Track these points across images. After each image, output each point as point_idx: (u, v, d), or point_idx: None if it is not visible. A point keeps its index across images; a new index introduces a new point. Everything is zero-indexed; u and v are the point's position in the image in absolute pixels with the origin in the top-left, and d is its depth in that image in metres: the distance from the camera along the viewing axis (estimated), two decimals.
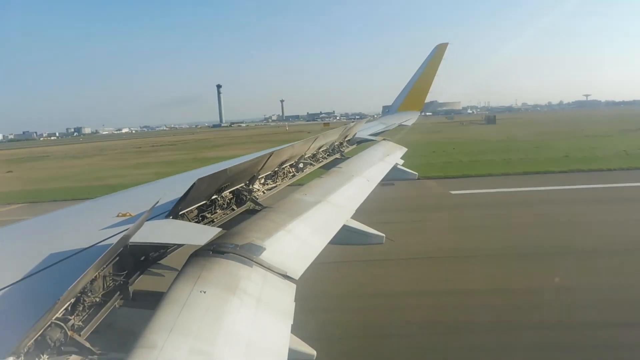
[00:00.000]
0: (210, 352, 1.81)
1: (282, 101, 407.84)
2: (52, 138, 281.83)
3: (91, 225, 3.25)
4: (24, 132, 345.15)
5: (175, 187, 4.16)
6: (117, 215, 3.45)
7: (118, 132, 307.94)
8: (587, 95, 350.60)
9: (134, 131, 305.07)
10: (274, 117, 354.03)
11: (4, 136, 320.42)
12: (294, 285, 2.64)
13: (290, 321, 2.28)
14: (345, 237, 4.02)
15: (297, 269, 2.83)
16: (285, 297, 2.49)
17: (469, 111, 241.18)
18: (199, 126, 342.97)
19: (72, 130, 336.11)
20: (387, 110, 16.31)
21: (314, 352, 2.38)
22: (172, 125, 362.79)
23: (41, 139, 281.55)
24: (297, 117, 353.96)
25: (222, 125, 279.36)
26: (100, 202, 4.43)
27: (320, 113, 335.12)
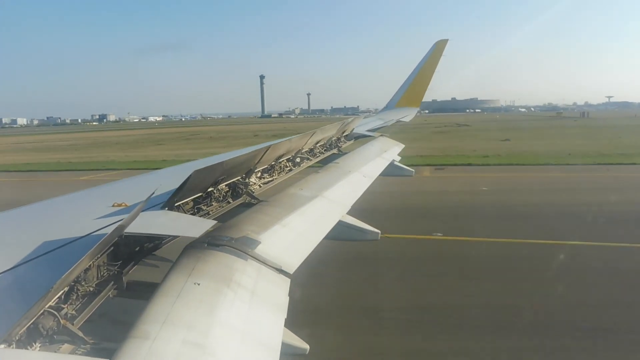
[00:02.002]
0: (204, 343, 1.81)
1: (308, 94, 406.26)
2: (94, 123, 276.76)
3: (86, 215, 3.24)
4: (47, 118, 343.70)
5: (171, 178, 4.15)
6: (113, 205, 3.44)
7: (144, 120, 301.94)
8: (609, 97, 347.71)
9: (183, 119, 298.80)
10: (297, 111, 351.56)
11: (29, 121, 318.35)
12: (289, 280, 2.64)
13: (284, 315, 2.28)
14: (340, 232, 4.02)
15: (292, 263, 2.83)
16: (279, 291, 2.49)
17: (521, 110, 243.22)
18: (231, 117, 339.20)
19: (97, 116, 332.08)
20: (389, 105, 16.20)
21: (307, 346, 2.38)
22: (208, 116, 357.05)
23: (87, 123, 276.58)
24: (322, 111, 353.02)
25: (272, 116, 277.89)
26: (95, 191, 4.41)
27: (361, 108, 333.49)
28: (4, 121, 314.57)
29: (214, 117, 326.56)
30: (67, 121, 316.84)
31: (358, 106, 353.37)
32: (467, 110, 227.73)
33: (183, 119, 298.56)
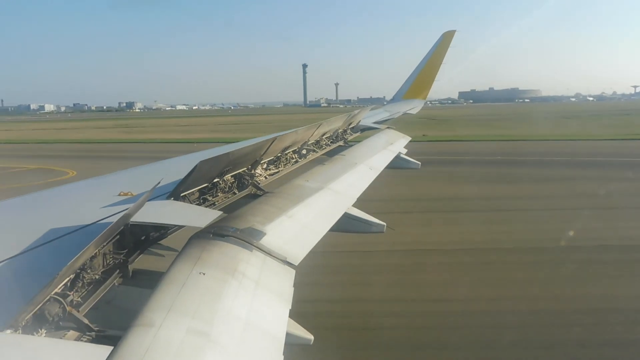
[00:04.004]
0: (208, 332, 1.81)
1: (336, 84, 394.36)
2: (137, 110, 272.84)
3: (92, 203, 3.26)
4: (74, 104, 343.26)
5: (177, 168, 4.15)
6: (119, 194, 3.46)
7: (171, 108, 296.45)
8: (635, 87, 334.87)
9: (206, 108, 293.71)
10: (322, 101, 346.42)
11: (56, 107, 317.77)
12: (293, 271, 2.64)
13: (288, 306, 2.28)
14: (346, 224, 4.02)
15: (297, 254, 2.83)
16: (284, 282, 2.49)
17: (572, 99, 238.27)
18: (265, 106, 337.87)
19: (124, 104, 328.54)
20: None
21: (312, 337, 2.38)
22: (244, 105, 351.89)
23: (131, 110, 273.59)
24: (348, 101, 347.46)
25: (322, 105, 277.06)
26: (102, 180, 4.43)
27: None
28: (32, 107, 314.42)
29: (249, 107, 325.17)
30: (93, 108, 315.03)
31: (384, 96, 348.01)
32: (517, 100, 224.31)
33: (232, 108, 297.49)
